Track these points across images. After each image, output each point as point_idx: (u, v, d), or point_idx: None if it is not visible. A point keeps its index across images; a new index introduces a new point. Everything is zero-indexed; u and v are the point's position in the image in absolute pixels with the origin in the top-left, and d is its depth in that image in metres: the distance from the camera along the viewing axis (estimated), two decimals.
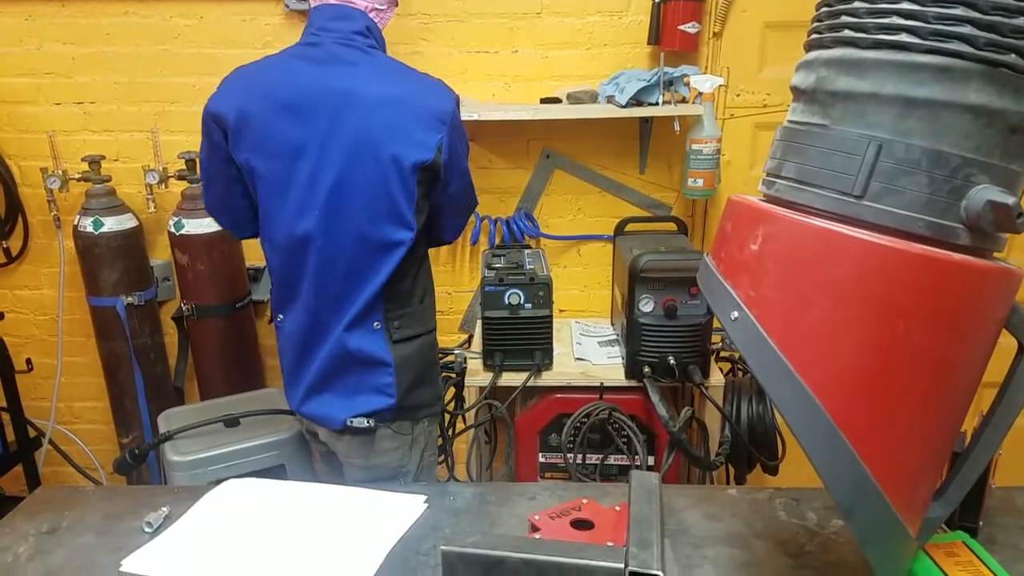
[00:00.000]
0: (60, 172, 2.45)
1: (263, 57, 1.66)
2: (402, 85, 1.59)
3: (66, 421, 2.90)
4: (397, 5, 1.78)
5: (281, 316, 1.74)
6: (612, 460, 2.19)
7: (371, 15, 1.65)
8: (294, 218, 1.61)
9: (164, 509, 1.32)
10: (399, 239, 1.60)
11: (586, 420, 2.11)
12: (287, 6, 2.39)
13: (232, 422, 2.13)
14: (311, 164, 1.57)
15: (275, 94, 1.58)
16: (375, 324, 1.65)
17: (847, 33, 0.85)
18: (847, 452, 0.82)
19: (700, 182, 2.32)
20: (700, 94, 2.25)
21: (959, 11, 0.78)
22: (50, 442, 2.77)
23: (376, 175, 1.55)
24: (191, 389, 2.70)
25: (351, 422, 1.67)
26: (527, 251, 2.41)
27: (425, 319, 1.75)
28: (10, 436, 2.57)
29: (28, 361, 2.67)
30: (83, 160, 2.43)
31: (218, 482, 1.44)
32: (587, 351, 2.33)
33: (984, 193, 0.80)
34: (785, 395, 0.85)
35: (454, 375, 2.22)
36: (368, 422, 1.67)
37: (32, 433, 2.67)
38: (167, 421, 2.18)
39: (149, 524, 1.27)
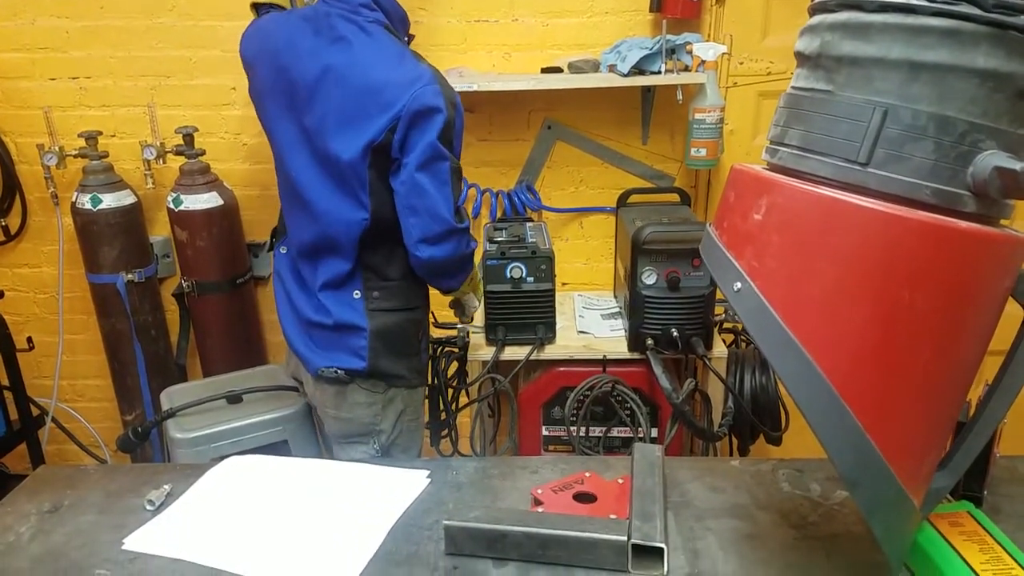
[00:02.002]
0: (57, 148, 2.43)
1: (288, 11, 1.80)
2: (383, 72, 1.57)
3: (69, 399, 2.91)
4: None
5: (282, 248, 1.87)
6: (615, 432, 2.19)
7: None
8: (282, 171, 1.76)
9: (166, 487, 1.32)
10: (357, 217, 1.65)
11: (589, 393, 2.11)
12: None
13: (235, 398, 2.13)
14: (291, 130, 1.69)
15: (276, 55, 1.68)
16: (355, 293, 1.72)
17: None
18: (852, 424, 0.81)
19: (703, 152, 2.29)
20: (703, 62, 2.22)
21: None
22: (53, 420, 2.78)
23: (335, 154, 1.60)
24: (193, 366, 2.71)
25: (322, 371, 1.74)
26: (529, 224, 2.39)
27: (408, 296, 1.78)
28: (13, 415, 2.58)
29: (29, 339, 2.67)
30: (80, 136, 2.41)
31: (221, 459, 1.45)
32: (590, 324, 2.32)
33: (991, 159, 0.78)
34: (789, 367, 0.84)
35: (457, 350, 2.21)
36: (338, 372, 1.73)
37: (35, 412, 2.68)
38: (169, 398, 2.18)
39: (151, 502, 1.27)
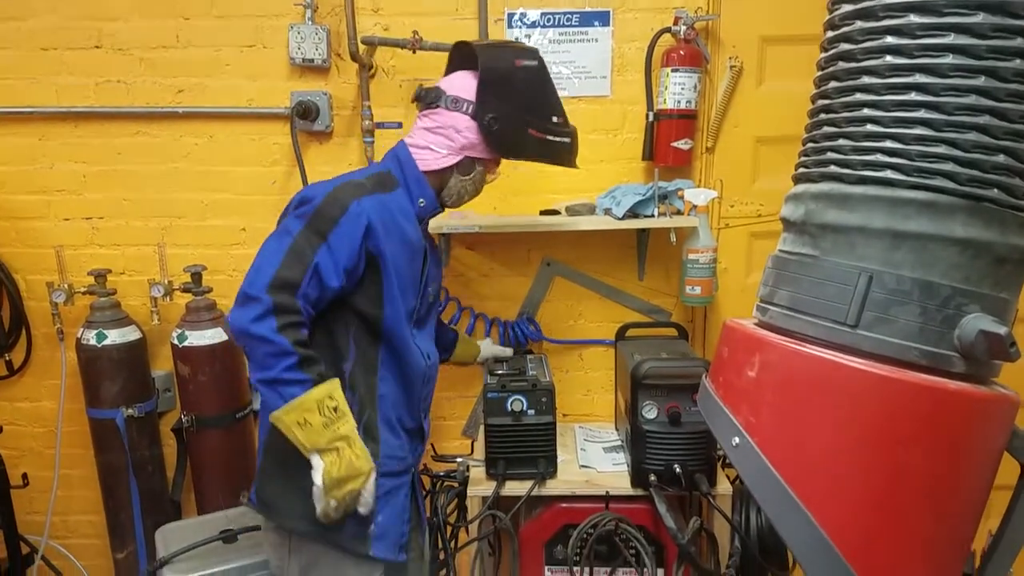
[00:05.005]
0: (66, 286, 2.48)
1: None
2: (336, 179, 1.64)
3: (60, 535, 2.82)
4: (461, 165, 1.78)
5: None
6: (620, 573, 2.12)
7: (413, 151, 1.74)
8: None
9: None
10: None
11: (592, 531, 2.06)
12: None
13: (230, 538, 2.08)
14: None
15: None
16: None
17: (833, 168, 0.89)
18: None
19: (698, 290, 2.34)
20: (695, 206, 2.30)
21: (941, 149, 0.82)
22: (43, 558, 2.70)
23: None
24: (187, 500, 2.65)
25: (243, 495, 1.68)
26: (529, 356, 2.41)
27: None
28: (2, 552, 2.50)
29: (24, 476, 2.63)
30: (89, 274, 2.47)
31: None
32: (592, 458, 2.30)
33: (976, 323, 0.82)
34: (791, 524, 0.85)
35: (456, 484, 2.18)
36: (243, 498, 1.67)
37: (25, 550, 2.60)
38: (164, 537, 2.13)
39: None
